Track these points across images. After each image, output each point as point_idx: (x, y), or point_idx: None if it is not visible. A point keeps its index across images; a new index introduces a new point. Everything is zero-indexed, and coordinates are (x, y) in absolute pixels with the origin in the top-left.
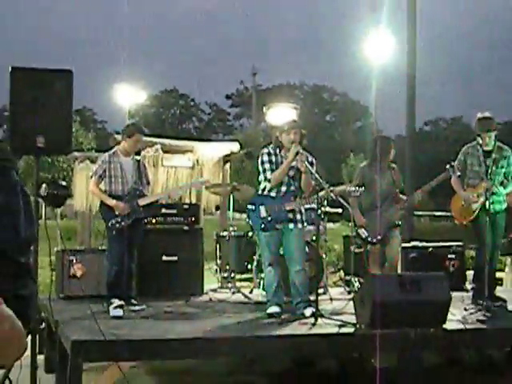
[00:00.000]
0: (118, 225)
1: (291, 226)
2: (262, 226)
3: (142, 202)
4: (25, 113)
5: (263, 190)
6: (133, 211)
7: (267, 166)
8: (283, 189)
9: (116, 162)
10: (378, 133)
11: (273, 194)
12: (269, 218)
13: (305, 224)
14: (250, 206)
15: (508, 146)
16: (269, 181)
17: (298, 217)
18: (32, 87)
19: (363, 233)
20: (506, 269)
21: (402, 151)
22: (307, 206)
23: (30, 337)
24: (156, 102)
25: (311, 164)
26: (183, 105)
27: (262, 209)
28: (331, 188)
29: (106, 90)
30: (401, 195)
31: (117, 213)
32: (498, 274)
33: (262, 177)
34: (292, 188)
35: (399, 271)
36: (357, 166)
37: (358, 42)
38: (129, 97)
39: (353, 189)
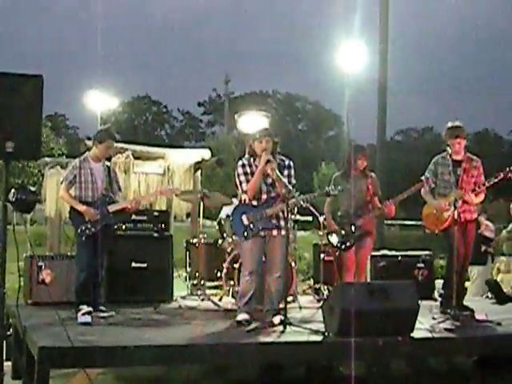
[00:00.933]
0: (87, 231)
1: (275, 232)
2: (245, 233)
3: (112, 208)
4: None
5: (244, 200)
6: (103, 217)
7: (242, 177)
8: (264, 196)
9: (86, 167)
10: (350, 142)
11: (254, 202)
12: (251, 226)
13: (288, 231)
14: (232, 216)
15: (478, 156)
16: (245, 192)
17: (282, 223)
18: (1, 92)
19: (334, 239)
20: (473, 278)
21: (373, 160)
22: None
23: None
24: (128, 108)
25: (288, 168)
26: (156, 111)
27: (244, 217)
28: (302, 196)
29: (78, 96)
30: (378, 203)
31: (86, 219)
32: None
33: (240, 189)
34: (272, 194)
35: (368, 279)
36: (328, 175)
37: (331, 51)
38: (101, 103)
39: (331, 187)
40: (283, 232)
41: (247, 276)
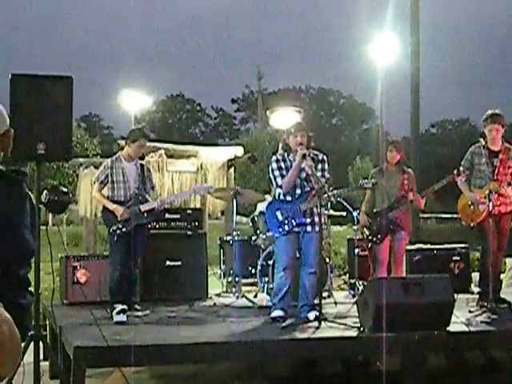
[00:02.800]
0: (119, 230)
1: (309, 228)
2: (280, 229)
3: (144, 207)
4: (25, 119)
5: (279, 195)
6: (135, 217)
7: (277, 172)
8: (298, 191)
9: (118, 167)
10: (384, 135)
11: (288, 198)
12: (286, 222)
13: (323, 227)
14: (266, 212)
15: None
16: (280, 187)
17: (317, 219)
18: (32, 94)
19: (365, 232)
20: (507, 270)
21: (408, 153)
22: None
23: (31, 345)
24: (162, 107)
25: (322, 162)
26: (189, 109)
27: (279, 213)
28: (335, 191)
29: (112, 96)
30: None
31: (119, 218)
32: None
33: (274, 184)
34: (307, 189)
35: (404, 273)
36: (363, 169)
37: (363, 44)
38: (135, 102)
39: (365, 181)
40: (317, 228)
41: (282, 272)
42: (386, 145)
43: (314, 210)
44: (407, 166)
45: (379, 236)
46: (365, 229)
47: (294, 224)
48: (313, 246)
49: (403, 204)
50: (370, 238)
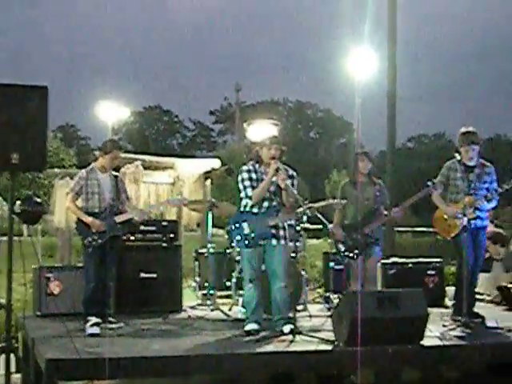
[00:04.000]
0: (94, 242)
1: (274, 242)
2: (246, 242)
3: (119, 218)
4: None
5: (245, 206)
6: (109, 228)
7: (247, 183)
8: (265, 204)
9: (93, 178)
10: (362, 149)
11: (255, 210)
12: (252, 235)
13: (287, 240)
14: (232, 223)
15: (491, 162)
16: (250, 198)
17: (282, 233)
18: (5, 103)
19: (341, 248)
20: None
21: (384, 167)
22: (288, 222)
23: (3, 357)
24: (139, 118)
25: (291, 177)
26: (167, 121)
27: (245, 225)
28: (310, 205)
29: (89, 107)
30: (385, 211)
31: (93, 230)
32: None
33: (242, 194)
34: (274, 203)
35: (379, 287)
36: (339, 182)
37: (341, 58)
38: (112, 113)
39: (335, 201)
40: (282, 241)
41: (249, 284)
42: (356, 155)
43: (280, 224)
44: (377, 176)
45: (356, 251)
46: (340, 244)
47: (259, 237)
48: (278, 259)
49: (378, 217)
50: (345, 253)
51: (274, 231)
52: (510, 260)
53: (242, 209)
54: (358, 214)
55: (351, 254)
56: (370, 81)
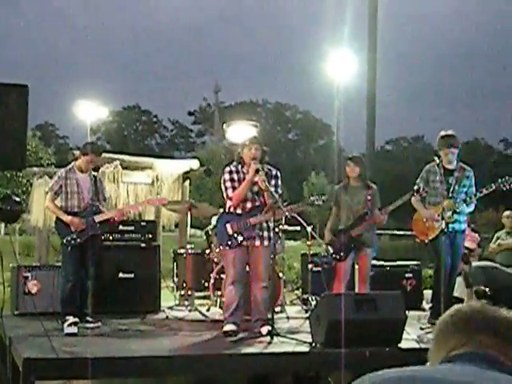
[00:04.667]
0: (73, 241)
1: (258, 242)
2: (229, 243)
3: (98, 218)
4: None
5: (229, 207)
6: (89, 228)
7: (229, 184)
8: (248, 205)
9: (72, 177)
10: (340, 151)
11: (238, 211)
12: (235, 235)
13: (271, 241)
14: (216, 224)
15: (469, 165)
16: (230, 199)
17: (266, 234)
18: None
19: (329, 249)
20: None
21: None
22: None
23: None
24: (118, 117)
25: (275, 178)
26: (145, 121)
27: (228, 226)
28: (289, 206)
29: (67, 106)
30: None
31: (72, 229)
32: None
33: (225, 195)
34: (257, 203)
35: (356, 290)
36: (318, 184)
37: (321, 60)
38: (90, 112)
39: (314, 198)
40: (266, 242)
41: (231, 285)
42: (345, 160)
43: (264, 224)
44: (371, 181)
45: (342, 253)
46: (329, 246)
47: (243, 238)
48: (261, 259)
49: (367, 221)
50: (333, 255)
51: (258, 231)
52: (476, 275)
53: (226, 210)
54: (349, 218)
55: (337, 256)
56: (349, 83)
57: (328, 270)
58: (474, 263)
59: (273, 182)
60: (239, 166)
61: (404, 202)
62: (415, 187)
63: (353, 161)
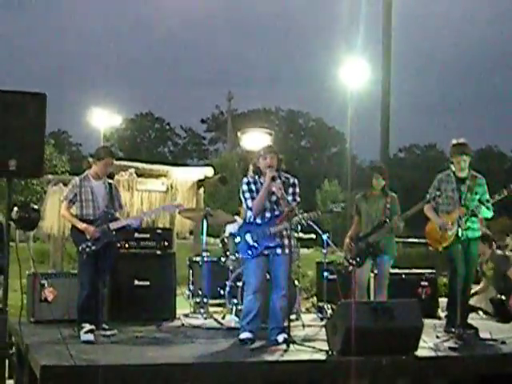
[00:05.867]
0: (88, 249)
1: (279, 251)
2: (250, 252)
3: (114, 225)
4: None
5: (249, 218)
6: (104, 235)
7: (247, 194)
8: (267, 215)
9: (87, 185)
10: (353, 159)
11: (258, 220)
12: (256, 245)
13: (292, 249)
14: (237, 234)
15: (481, 173)
16: (250, 209)
17: (286, 242)
18: (4, 110)
19: (346, 256)
20: None
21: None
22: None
23: None
24: (131, 125)
25: (293, 185)
26: (158, 128)
27: (249, 236)
28: (305, 214)
29: (81, 113)
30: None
31: (88, 237)
32: None
33: (244, 206)
34: (276, 213)
35: (372, 297)
36: (330, 192)
37: (334, 68)
38: (104, 120)
39: (334, 205)
40: (287, 250)
41: (251, 295)
42: (370, 171)
43: (284, 232)
44: (391, 189)
45: (358, 259)
46: (346, 252)
47: (264, 247)
48: (282, 268)
49: (384, 228)
50: (350, 261)
51: (278, 240)
52: (499, 281)
53: (247, 220)
54: (367, 226)
55: (354, 262)
56: (362, 91)
57: (344, 278)
58: None
59: (290, 190)
60: (256, 177)
61: (419, 209)
62: (430, 196)
63: (380, 173)
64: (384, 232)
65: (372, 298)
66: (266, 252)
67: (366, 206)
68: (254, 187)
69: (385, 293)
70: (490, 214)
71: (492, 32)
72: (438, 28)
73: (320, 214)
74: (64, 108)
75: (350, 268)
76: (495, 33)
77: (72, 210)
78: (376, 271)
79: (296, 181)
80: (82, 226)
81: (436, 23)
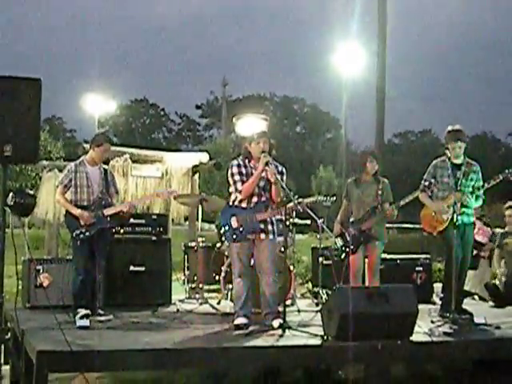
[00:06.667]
0: (82, 235)
1: (263, 236)
2: (234, 236)
3: (108, 211)
4: None
5: (234, 201)
6: (98, 221)
7: (237, 177)
8: (254, 199)
9: (82, 171)
10: (348, 145)
11: (244, 204)
12: (240, 229)
13: (276, 235)
14: (221, 217)
15: (476, 159)
16: (239, 192)
17: (270, 228)
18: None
19: (338, 242)
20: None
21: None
22: (277, 217)
23: None
24: (126, 111)
25: (281, 174)
26: (153, 114)
27: (234, 219)
28: (300, 200)
29: (75, 99)
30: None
31: (82, 223)
32: None
33: (232, 188)
34: (263, 199)
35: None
36: (326, 178)
37: (329, 54)
38: (98, 106)
39: (323, 198)
40: (271, 235)
41: (238, 278)
42: (364, 155)
43: (268, 218)
44: (383, 175)
45: (352, 246)
46: (338, 238)
47: (248, 232)
48: (267, 253)
49: (377, 214)
50: (343, 248)
51: (262, 226)
52: None
53: (230, 203)
54: (359, 212)
55: (348, 249)
56: (357, 76)
57: (338, 263)
58: None
59: (279, 177)
60: (246, 161)
61: (414, 197)
62: (425, 183)
63: (375, 156)
64: (377, 219)
65: (366, 284)
66: (249, 236)
67: (358, 192)
68: (244, 170)
69: (377, 278)
70: (479, 203)
71: (487, 18)
72: (433, 14)
73: (312, 203)
74: (58, 94)
75: (343, 255)
76: (490, 19)
77: (67, 195)
78: (368, 257)
79: (284, 169)
80: (76, 211)
81: (430, 10)
